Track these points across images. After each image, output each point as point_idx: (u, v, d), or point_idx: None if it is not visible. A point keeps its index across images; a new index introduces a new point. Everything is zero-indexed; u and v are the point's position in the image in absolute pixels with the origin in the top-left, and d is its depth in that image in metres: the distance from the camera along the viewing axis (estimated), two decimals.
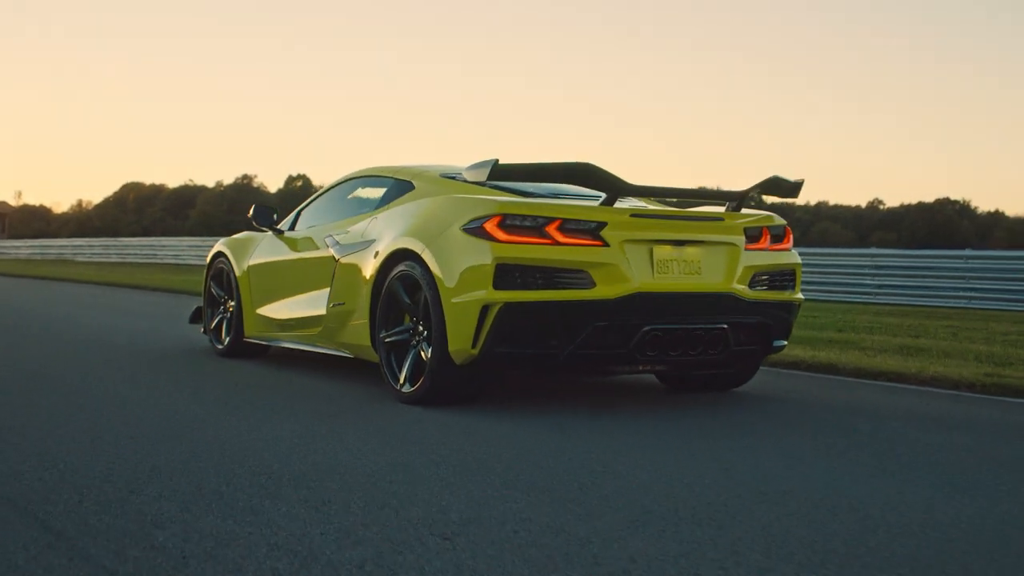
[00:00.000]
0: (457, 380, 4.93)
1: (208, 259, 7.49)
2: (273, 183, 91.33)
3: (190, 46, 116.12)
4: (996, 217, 75.04)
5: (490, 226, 4.72)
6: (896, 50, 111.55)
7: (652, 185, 5.02)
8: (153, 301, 14.85)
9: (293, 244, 6.59)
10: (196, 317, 7.74)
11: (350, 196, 6.48)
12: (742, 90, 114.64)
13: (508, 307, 4.61)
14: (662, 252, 4.88)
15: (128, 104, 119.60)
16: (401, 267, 5.11)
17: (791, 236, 5.42)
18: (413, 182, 5.74)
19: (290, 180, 78.37)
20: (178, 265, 31.77)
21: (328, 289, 5.91)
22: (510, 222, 4.72)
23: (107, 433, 4.14)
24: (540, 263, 4.66)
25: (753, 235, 5.16)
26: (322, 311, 5.93)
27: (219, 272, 7.32)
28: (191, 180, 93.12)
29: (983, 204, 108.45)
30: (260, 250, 6.92)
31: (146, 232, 65.27)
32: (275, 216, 6.90)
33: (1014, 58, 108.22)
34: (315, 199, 6.82)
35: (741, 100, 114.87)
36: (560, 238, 4.71)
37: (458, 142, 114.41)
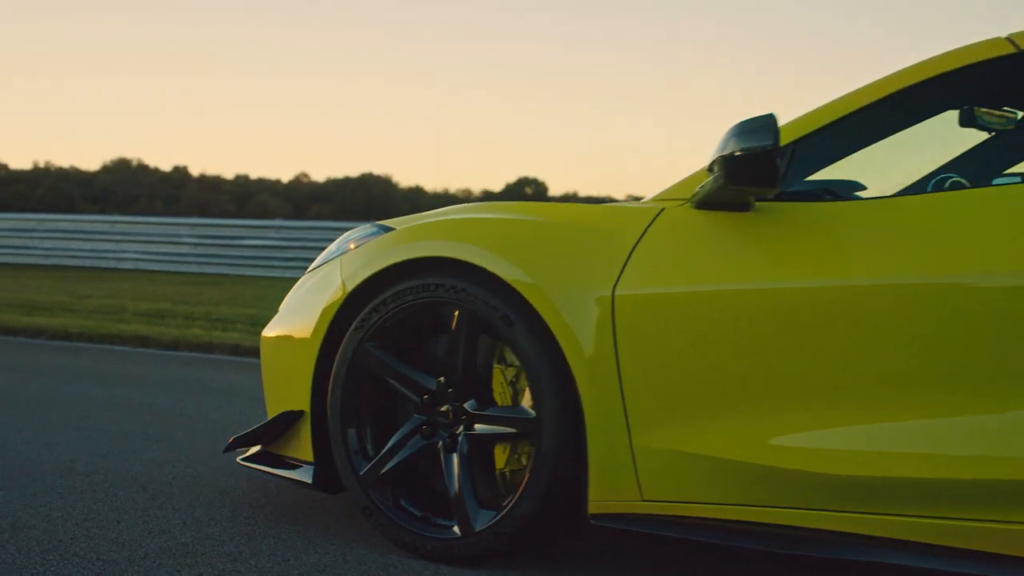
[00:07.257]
0: None
1: (348, 285, 2.61)
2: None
3: None
4: None
5: None
6: None
7: None
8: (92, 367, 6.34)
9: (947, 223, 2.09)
10: (269, 435, 2.77)
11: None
12: None
13: None
14: None
15: None
16: None
17: None
18: None
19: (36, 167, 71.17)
20: None
21: None
22: None
23: None
24: None
25: None
26: None
27: (420, 314, 2.54)
28: None
29: None
30: (678, 246, 2.28)
31: None
32: (788, 155, 2.31)
33: None
34: (855, 111, 2.28)
35: None
36: None
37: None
